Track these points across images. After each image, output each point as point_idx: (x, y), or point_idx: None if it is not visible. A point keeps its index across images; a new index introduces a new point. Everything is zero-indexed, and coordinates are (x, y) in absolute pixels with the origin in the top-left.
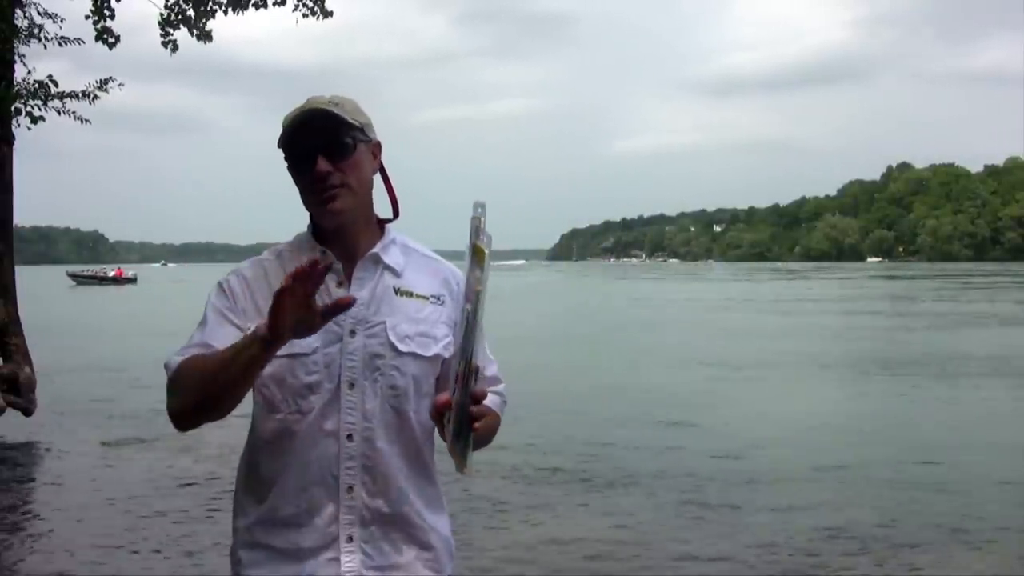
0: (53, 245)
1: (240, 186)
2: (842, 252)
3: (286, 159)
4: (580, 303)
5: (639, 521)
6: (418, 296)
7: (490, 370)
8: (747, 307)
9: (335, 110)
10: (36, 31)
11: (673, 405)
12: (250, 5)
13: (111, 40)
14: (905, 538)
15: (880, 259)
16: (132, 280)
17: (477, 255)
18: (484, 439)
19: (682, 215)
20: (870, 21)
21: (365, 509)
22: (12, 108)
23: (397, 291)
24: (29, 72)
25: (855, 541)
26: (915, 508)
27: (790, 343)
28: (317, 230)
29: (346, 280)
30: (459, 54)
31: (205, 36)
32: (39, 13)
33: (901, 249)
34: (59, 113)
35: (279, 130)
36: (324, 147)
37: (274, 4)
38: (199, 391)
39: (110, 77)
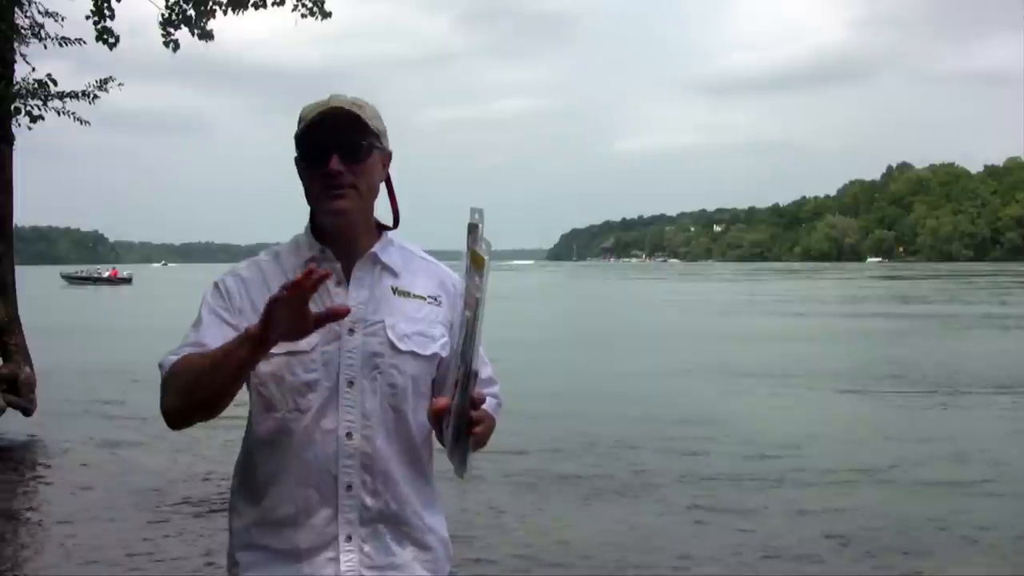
0: (53, 245)
1: (240, 186)
2: (842, 252)
3: (298, 151)
4: (580, 306)
5: (645, 523)
6: (416, 296)
7: (484, 372)
8: (752, 309)
9: (357, 111)
10: (37, 30)
11: (683, 408)
12: (249, 5)
13: (111, 40)
14: (913, 544)
15: (880, 259)
16: (127, 280)
17: (476, 262)
18: (480, 441)
19: (682, 215)
20: (870, 21)
21: (364, 508)
22: (12, 107)
23: (395, 291)
24: (33, 70)
25: (862, 546)
26: (926, 514)
27: (801, 347)
28: (316, 229)
29: (345, 279)
30: (460, 54)
31: (207, 36)
32: (40, 12)
33: (901, 249)
34: (59, 114)
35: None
36: (340, 147)
37: (273, 4)
38: (191, 390)
39: (110, 77)
